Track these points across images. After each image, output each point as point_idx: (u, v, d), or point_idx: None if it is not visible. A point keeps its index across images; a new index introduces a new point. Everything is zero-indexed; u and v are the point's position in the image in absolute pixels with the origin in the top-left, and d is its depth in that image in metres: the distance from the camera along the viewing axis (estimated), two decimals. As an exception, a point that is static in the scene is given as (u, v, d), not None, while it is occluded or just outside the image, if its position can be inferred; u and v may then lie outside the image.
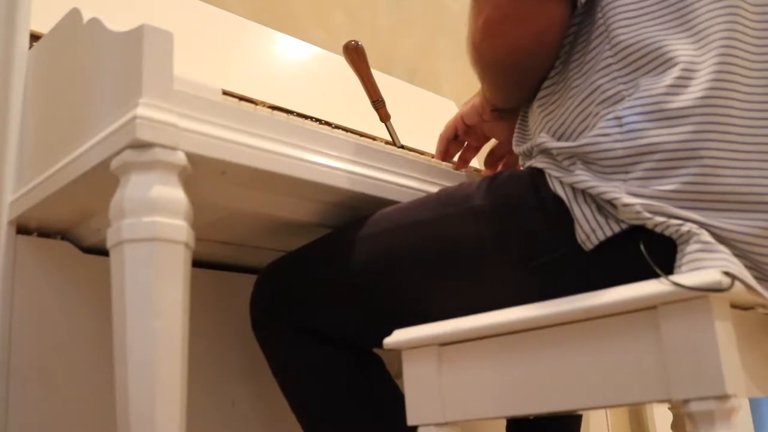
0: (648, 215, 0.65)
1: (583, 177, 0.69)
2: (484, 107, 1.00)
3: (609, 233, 0.68)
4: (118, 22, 0.76)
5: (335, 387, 0.89)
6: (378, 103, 1.17)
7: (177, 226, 0.67)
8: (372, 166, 0.88)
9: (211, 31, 1.28)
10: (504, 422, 1.16)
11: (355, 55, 1.15)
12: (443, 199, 0.82)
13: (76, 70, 0.82)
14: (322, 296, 0.89)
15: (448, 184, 0.96)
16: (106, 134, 0.70)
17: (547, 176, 0.73)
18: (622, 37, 0.72)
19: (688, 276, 0.56)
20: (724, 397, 0.54)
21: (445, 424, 0.69)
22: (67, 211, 0.87)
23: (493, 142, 1.09)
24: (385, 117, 1.18)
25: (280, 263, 0.94)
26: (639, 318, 0.59)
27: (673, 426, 1.25)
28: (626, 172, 0.67)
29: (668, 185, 0.65)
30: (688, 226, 0.63)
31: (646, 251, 0.64)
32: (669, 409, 1.26)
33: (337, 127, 1.32)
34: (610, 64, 0.72)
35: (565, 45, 0.79)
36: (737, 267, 0.60)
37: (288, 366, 0.92)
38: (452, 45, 2.02)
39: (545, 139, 0.76)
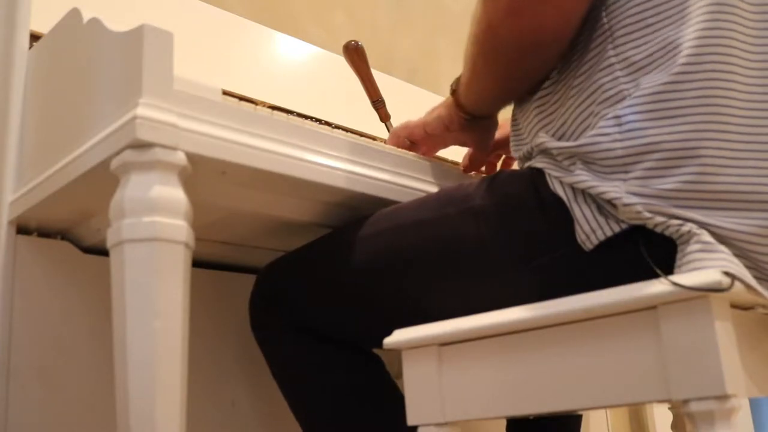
0: (648, 215, 0.65)
1: (583, 177, 0.69)
2: (452, 118, 0.97)
3: (609, 233, 0.68)
4: (118, 22, 0.76)
5: (335, 387, 0.89)
6: (378, 103, 1.17)
7: (177, 226, 0.67)
8: (372, 166, 0.88)
9: (211, 31, 1.28)
10: (504, 422, 1.16)
11: (355, 55, 1.15)
12: (443, 199, 0.82)
13: (76, 70, 0.82)
14: (322, 296, 0.89)
15: (448, 184, 0.96)
16: (106, 134, 0.70)
17: (547, 176, 0.73)
18: (626, 38, 0.72)
19: (688, 276, 0.56)
20: (724, 397, 0.54)
21: (445, 424, 0.69)
22: (67, 211, 0.87)
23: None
24: (385, 117, 1.18)
25: (280, 263, 0.94)
26: (639, 318, 0.59)
27: (673, 426, 1.26)
28: (626, 172, 0.67)
29: (668, 184, 0.65)
30: (688, 226, 0.63)
31: (646, 251, 0.64)
32: (669, 409, 1.27)
33: (337, 127, 1.32)
34: (612, 64, 0.72)
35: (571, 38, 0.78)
36: (737, 267, 0.60)
37: (287, 366, 0.92)
38: (452, 45, 2.02)
39: (545, 139, 0.75)
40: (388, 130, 1.19)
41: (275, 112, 1.20)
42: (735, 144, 0.65)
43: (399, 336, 0.72)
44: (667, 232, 0.64)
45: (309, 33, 1.67)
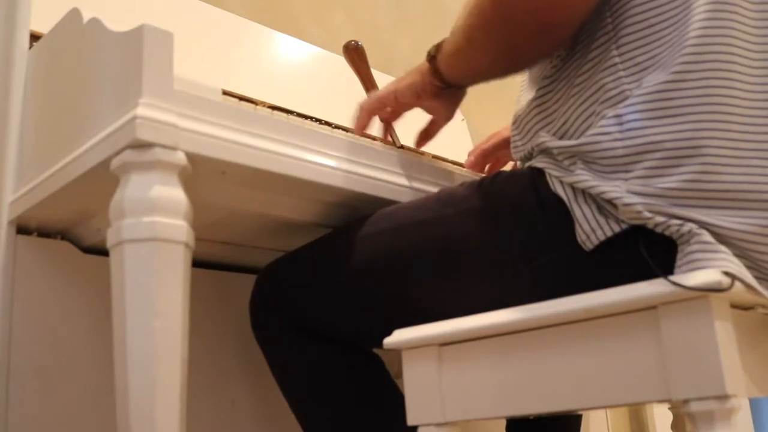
0: (649, 215, 0.65)
1: (583, 177, 0.69)
2: (425, 86, 0.94)
3: (609, 233, 0.68)
4: (118, 22, 0.76)
5: (335, 387, 0.89)
6: (378, 103, 1.17)
7: (177, 226, 0.67)
8: (372, 166, 0.88)
9: (211, 31, 1.28)
10: (504, 422, 1.16)
11: (355, 55, 1.15)
12: (443, 199, 0.82)
13: (76, 70, 0.82)
14: (322, 296, 0.89)
15: (448, 184, 0.96)
16: (106, 134, 0.70)
17: (547, 176, 0.73)
18: (630, 38, 0.72)
19: (688, 276, 0.56)
20: (724, 397, 0.54)
21: (445, 424, 0.69)
22: (67, 211, 0.87)
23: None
24: (385, 117, 1.18)
25: (280, 263, 0.94)
26: (639, 318, 0.59)
27: (673, 426, 1.26)
28: (627, 171, 0.67)
29: (670, 183, 0.65)
30: (688, 226, 0.63)
31: (646, 251, 0.64)
32: (669, 409, 1.27)
33: (337, 127, 1.32)
34: (615, 64, 0.72)
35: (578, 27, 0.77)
36: (737, 267, 0.60)
37: (288, 366, 0.92)
38: (452, 45, 2.02)
39: (546, 138, 0.75)
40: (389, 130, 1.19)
41: (275, 112, 1.20)
42: (737, 143, 0.65)
43: (399, 336, 0.72)
44: (667, 232, 0.64)
45: (309, 33, 1.67)
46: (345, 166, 0.85)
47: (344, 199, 0.88)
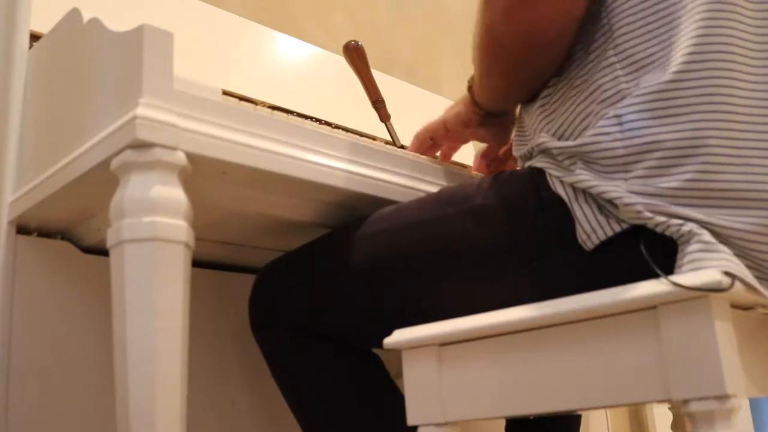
0: (649, 215, 0.65)
1: (583, 176, 0.69)
2: (469, 115, 0.99)
3: (610, 233, 0.68)
4: (118, 22, 0.76)
5: (335, 387, 0.89)
6: (378, 103, 1.17)
7: (177, 226, 0.67)
8: (372, 166, 0.88)
9: (211, 31, 1.28)
10: (504, 422, 1.16)
11: (355, 55, 1.15)
12: (443, 199, 0.82)
13: (76, 70, 0.82)
14: (322, 296, 0.89)
15: (448, 184, 0.96)
16: (106, 134, 0.70)
17: (548, 176, 0.73)
18: (626, 37, 0.72)
19: (688, 276, 0.56)
20: (724, 397, 0.54)
21: (445, 424, 0.69)
22: (67, 211, 0.87)
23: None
24: (385, 117, 1.18)
25: (279, 263, 0.94)
26: (639, 318, 0.59)
27: (673, 426, 1.26)
28: (627, 171, 0.67)
29: (670, 182, 0.65)
30: (689, 226, 0.63)
31: (646, 251, 0.64)
32: (669, 409, 1.27)
33: (337, 127, 1.32)
34: (612, 63, 0.72)
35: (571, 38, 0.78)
36: (738, 267, 0.60)
37: (287, 366, 0.92)
38: (452, 45, 2.02)
39: (545, 139, 0.75)
40: (388, 130, 1.19)
41: (275, 112, 1.20)
42: (737, 141, 0.65)
43: (399, 336, 0.72)
44: (667, 232, 0.64)
45: (309, 33, 1.67)
46: (345, 166, 0.85)
47: (344, 199, 0.88)
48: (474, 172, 1.07)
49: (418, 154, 1.01)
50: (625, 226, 0.67)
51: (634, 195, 0.66)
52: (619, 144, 0.68)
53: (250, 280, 0.97)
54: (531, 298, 0.66)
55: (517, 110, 0.93)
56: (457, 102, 1.02)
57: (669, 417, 1.30)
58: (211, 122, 0.73)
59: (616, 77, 0.71)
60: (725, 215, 0.64)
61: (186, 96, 0.72)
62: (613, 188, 0.67)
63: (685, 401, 0.55)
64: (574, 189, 0.71)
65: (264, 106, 1.20)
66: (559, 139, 0.76)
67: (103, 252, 0.73)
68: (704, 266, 0.59)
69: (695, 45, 0.68)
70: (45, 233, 0.94)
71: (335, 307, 0.88)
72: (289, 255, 0.94)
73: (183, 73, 0.72)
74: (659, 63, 0.69)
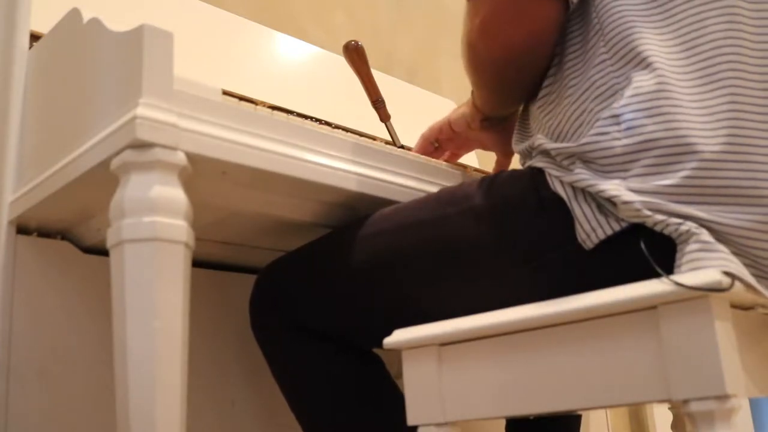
0: (648, 213, 0.65)
1: (582, 176, 0.69)
2: (473, 117, 1.00)
3: (609, 232, 0.68)
4: (118, 22, 0.76)
5: (335, 387, 0.89)
6: (378, 103, 1.17)
7: (177, 226, 0.67)
8: (372, 166, 0.88)
9: (211, 31, 1.28)
10: (504, 422, 1.16)
11: (355, 55, 1.15)
12: (443, 198, 0.82)
13: (76, 70, 0.82)
14: (322, 296, 0.89)
15: (448, 184, 0.96)
16: (106, 134, 0.70)
17: (547, 175, 0.73)
18: (615, 32, 0.73)
19: (688, 276, 0.56)
20: (724, 397, 0.54)
21: (445, 424, 0.69)
22: (67, 211, 0.87)
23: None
24: (385, 117, 1.18)
25: (280, 263, 0.94)
26: (639, 318, 0.59)
27: (673, 426, 1.26)
28: (626, 170, 0.67)
29: (668, 180, 0.65)
30: (687, 225, 0.63)
31: (646, 250, 0.64)
32: (669, 409, 1.27)
33: (337, 127, 1.32)
34: (604, 60, 0.73)
35: (560, 45, 0.79)
36: (737, 266, 0.60)
37: (287, 366, 0.92)
38: (452, 45, 2.02)
39: (543, 141, 0.76)
40: (389, 130, 1.19)
41: (275, 112, 1.20)
42: (735, 138, 0.66)
43: (399, 336, 0.72)
44: (666, 231, 0.64)
45: (309, 33, 1.67)
46: (345, 166, 0.85)
47: (344, 199, 0.88)
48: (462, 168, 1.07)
49: (417, 154, 1.01)
50: (624, 224, 0.67)
51: (632, 193, 0.66)
52: (617, 143, 0.68)
53: (250, 280, 0.97)
54: (531, 297, 0.66)
55: (520, 108, 0.93)
56: (462, 104, 1.04)
57: (669, 417, 1.30)
58: (211, 122, 0.73)
59: (608, 73, 0.72)
60: (724, 212, 0.64)
61: (186, 96, 0.72)
62: (612, 187, 0.67)
63: (685, 401, 0.55)
64: (574, 188, 0.71)
65: (264, 106, 1.20)
66: (558, 138, 0.76)
67: (103, 252, 0.73)
68: (703, 266, 0.60)
69: (690, 41, 0.68)
70: (45, 233, 0.94)
71: (335, 307, 0.88)
72: (290, 255, 0.94)
73: (183, 73, 0.72)
74: (648, 59, 0.70)
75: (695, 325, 0.55)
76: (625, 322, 0.59)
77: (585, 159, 0.70)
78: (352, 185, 0.85)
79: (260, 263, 1.01)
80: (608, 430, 1.68)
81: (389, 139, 1.20)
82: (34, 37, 0.97)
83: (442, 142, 1.07)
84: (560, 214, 0.71)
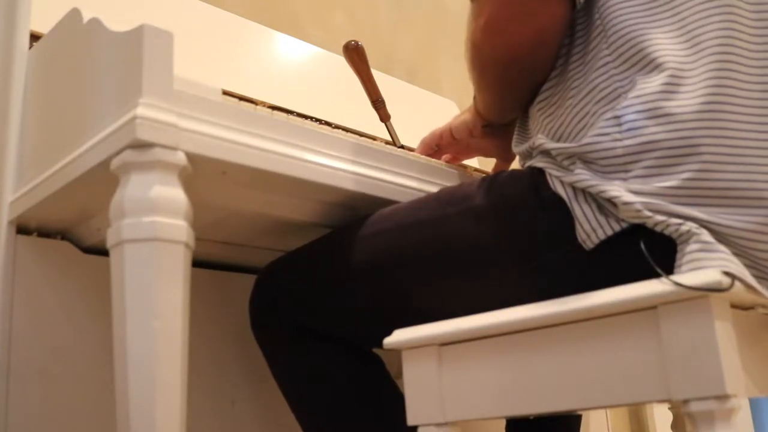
0: (648, 213, 0.65)
1: (583, 176, 0.69)
2: (475, 123, 1.00)
3: (609, 232, 0.68)
4: (118, 22, 0.76)
5: (335, 387, 0.89)
6: (378, 103, 1.17)
7: (177, 226, 0.67)
8: (372, 166, 0.88)
9: (211, 31, 1.28)
10: (504, 422, 1.16)
11: (355, 55, 1.15)
12: (443, 198, 0.82)
13: (76, 70, 0.82)
14: (322, 296, 0.89)
15: (448, 184, 0.96)
16: (106, 134, 0.70)
17: (548, 175, 0.73)
18: (618, 35, 0.73)
19: (688, 276, 0.56)
20: (724, 397, 0.54)
21: (445, 424, 0.69)
22: (67, 211, 0.87)
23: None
24: (385, 117, 1.18)
25: (280, 263, 0.94)
26: (639, 318, 0.59)
27: (673, 426, 1.25)
28: (626, 171, 0.67)
29: (668, 182, 0.65)
30: (687, 226, 0.63)
31: (646, 250, 0.64)
32: (669, 409, 1.26)
33: (337, 127, 1.32)
34: (607, 63, 0.73)
35: (565, 46, 0.79)
36: (737, 267, 0.60)
37: (287, 366, 0.92)
38: (452, 45, 2.02)
39: (544, 141, 0.76)
40: (389, 130, 1.19)
41: (275, 112, 1.20)
42: (736, 140, 0.66)
43: (399, 336, 0.72)
44: (666, 232, 0.64)
45: (309, 33, 1.67)
46: (345, 166, 0.85)
47: (344, 199, 0.88)
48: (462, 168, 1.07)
49: (417, 154, 1.01)
50: (624, 225, 0.67)
51: (633, 194, 0.66)
52: (618, 144, 0.68)
53: (250, 280, 0.97)
54: (531, 297, 0.66)
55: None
56: (464, 110, 1.04)
57: (669, 417, 1.30)
58: (211, 122, 0.73)
59: (611, 76, 0.72)
60: (724, 214, 0.64)
61: (186, 96, 0.72)
62: (613, 187, 0.67)
63: (685, 401, 0.55)
64: (574, 188, 0.71)
65: (264, 106, 1.20)
66: (559, 139, 0.76)
67: (103, 252, 0.73)
68: (704, 266, 0.60)
69: (693, 46, 0.68)
70: (45, 233, 0.94)
71: (335, 307, 0.88)
72: (290, 255, 0.94)
73: (183, 73, 0.72)
74: (647, 62, 0.70)
75: (695, 325, 0.55)
76: (625, 322, 0.59)
77: (586, 159, 0.70)
78: (352, 185, 0.85)
79: (260, 263, 1.01)
80: (608, 430, 1.68)
81: (389, 139, 1.20)
82: (34, 37, 0.97)
83: (442, 147, 1.07)
84: (560, 214, 0.71)
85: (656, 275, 0.58)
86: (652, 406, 1.99)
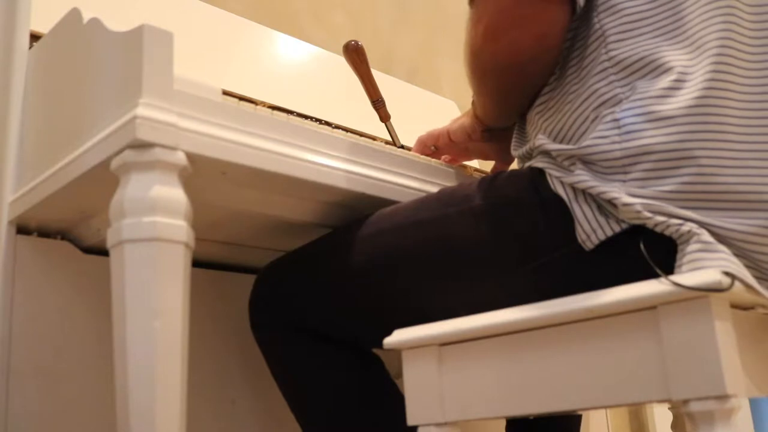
0: (648, 215, 0.65)
1: (583, 177, 0.69)
2: (473, 128, 1.00)
3: (609, 233, 0.68)
4: (118, 22, 0.76)
5: (335, 387, 0.89)
6: (378, 103, 1.17)
7: (177, 226, 0.67)
8: (372, 166, 0.88)
9: (211, 31, 1.28)
10: (504, 422, 1.16)
11: (355, 55, 1.15)
12: (443, 199, 0.82)
13: (76, 70, 0.82)
14: (322, 296, 0.89)
15: (448, 184, 0.96)
16: (106, 134, 0.70)
17: (548, 176, 0.73)
18: (618, 44, 0.72)
19: (688, 276, 0.56)
20: (724, 397, 0.54)
21: (445, 424, 0.69)
22: (67, 211, 0.87)
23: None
24: (385, 117, 1.18)
25: (279, 263, 0.94)
26: (639, 318, 0.59)
27: (673, 426, 1.25)
28: (625, 173, 0.67)
29: (667, 186, 0.65)
30: (688, 226, 0.63)
31: (646, 251, 0.64)
32: (669, 409, 1.26)
33: (337, 127, 1.32)
34: (606, 68, 0.73)
35: (563, 50, 0.79)
36: (737, 267, 0.60)
37: (287, 366, 0.92)
38: (452, 45, 2.02)
39: (544, 141, 0.76)
40: (389, 130, 1.19)
41: (275, 112, 1.19)
42: (733, 144, 0.66)
43: (399, 336, 0.72)
44: (667, 232, 0.64)
45: (309, 33, 1.67)
46: (345, 166, 0.85)
47: (344, 199, 0.88)
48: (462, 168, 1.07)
49: (417, 154, 1.01)
50: (624, 226, 0.67)
51: (632, 196, 0.66)
52: (616, 147, 0.68)
53: (250, 280, 0.97)
54: (531, 298, 0.66)
55: None
56: (463, 114, 1.03)
57: (669, 417, 1.29)
58: (211, 122, 0.73)
59: (611, 82, 0.72)
60: (724, 217, 0.64)
61: (186, 96, 0.72)
62: (612, 189, 0.67)
63: (685, 401, 0.55)
64: (574, 189, 0.71)
65: (264, 106, 1.20)
66: (559, 142, 0.76)
67: (103, 252, 0.73)
68: (704, 266, 0.60)
69: (695, 48, 0.68)
70: (45, 233, 0.94)
71: (335, 307, 0.88)
72: (290, 255, 0.94)
73: (183, 73, 0.72)
74: (651, 68, 0.70)
75: (695, 325, 0.55)
76: (625, 322, 0.59)
77: (585, 161, 0.70)
78: (352, 185, 0.85)
79: (260, 263, 1.01)
80: (608, 430, 1.68)
81: (389, 139, 1.20)
82: (34, 37, 0.97)
83: (439, 148, 1.06)
84: (560, 214, 0.71)
85: (656, 276, 0.58)
86: (652, 406, 1.99)
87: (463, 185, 0.83)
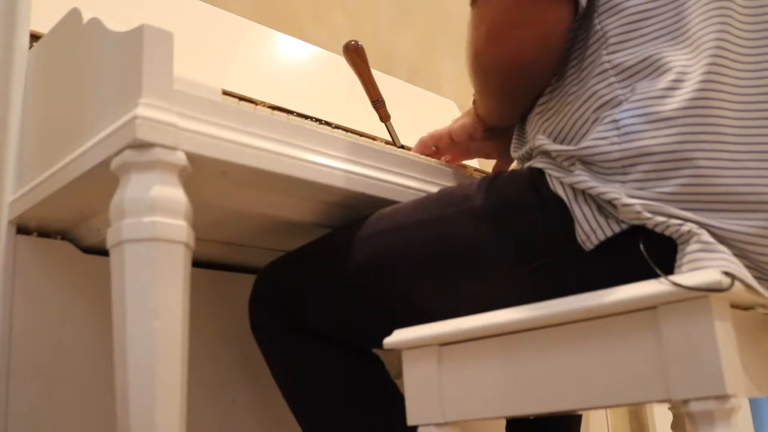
0: (648, 215, 0.65)
1: (583, 177, 0.69)
2: (475, 127, 1.00)
3: (609, 233, 0.68)
4: (118, 22, 0.76)
5: (335, 387, 0.89)
6: (378, 103, 1.17)
7: (177, 226, 0.67)
8: (372, 166, 0.88)
9: (211, 31, 1.28)
10: (504, 422, 1.16)
11: (355, 55, 1.15)
12: (443, 199, 0.82)
13: (76, 70, 0.82)
14: (322, 296, 0.89)
15: (448, 184, 0.96)
16: (106, 134, 0.70)
17: (548, 176, 0.73)
18: (619, 47, 0.72)
19: (688, 276, 0.56)
20: (724, 397, 0.54)
21: (445, 424, 0.69)
22: (67, 211, 0.87)
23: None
24: (385, 117, 1.18)
25: (279, 263, 0.94)
26: (639, 318, 0.59)
27: (673, 426, 1.25)
28: (624, 174, 0.67)
29: (666, 188, 0.65)
30: (688, 226, 0.63)
31: (646, 251, 0.64)
32: (669, 409, 1.26)
33: (338, 127, 1.32)
34: (606, 70, 0.72)
35: (565, 51, 0.79)
36: (737, 267, 0.60)
37: (287, 366, 0.92)
38: (452, 45, 2.02)
39: (544, 141, 0.76)
40: (389, 130, 1.19)
41: (275, 112, 1.20)
42: (730, 146, 0.66)
43: (399, 336, 0.72)
44: (667, 232, 0.64)
45: (309, 33, 1.67)
46: (345, 166, 0.85)
47: (344, 199, 0.88)
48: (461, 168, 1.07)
49: (417, 154, 1.01)
50: (624, 226, 0.67)
51: (632, 198, 0.66)
52: (615, 148, 0.68)
53: (250, 280, 0.97)
54: (531, 298, 0.66)
55: None
56: (464, 113, 1.03)
57: (669, 417, 1.30)
58: (211, 122, 0.73)
59: (611, 84, 0.72)
60: (724, 218, 0.64)
61: (186, 96, 0.72)
62: (612, 190, 0.67)
63: (685, 401, 0.55)
64: (574, 189, 0.71)
65: (264, 106, 1.20)
66: (559, 143, 0.76)
67: (103, 252, 0.73)
68: (704, 266, 0.60)
69: (694, 49, 0.68)
70: (45, 233, 0.94)
71: (335, 307, 0.88)
72: (290, 255, 0.94)
73: (183, 73, 0.72)
74: (652, 70, 0.70)
75: (695, 325, 0.55)
76: (625, 322, 0.59)
77: (585, 161, 0.70)
78: (352, 185, 0.85)
79: (260, 263, 1.01)
80: (608, 430, 1.68)
81: (389, 139, 1.20)
82: (34, 37, 0.97)
83: (440, 149, 1.06)
84: (560, 214, 0.71)
85: (656, 276, 0.58)
86: (652, 406, 1.99)
87: (463, 185, 0.83)
